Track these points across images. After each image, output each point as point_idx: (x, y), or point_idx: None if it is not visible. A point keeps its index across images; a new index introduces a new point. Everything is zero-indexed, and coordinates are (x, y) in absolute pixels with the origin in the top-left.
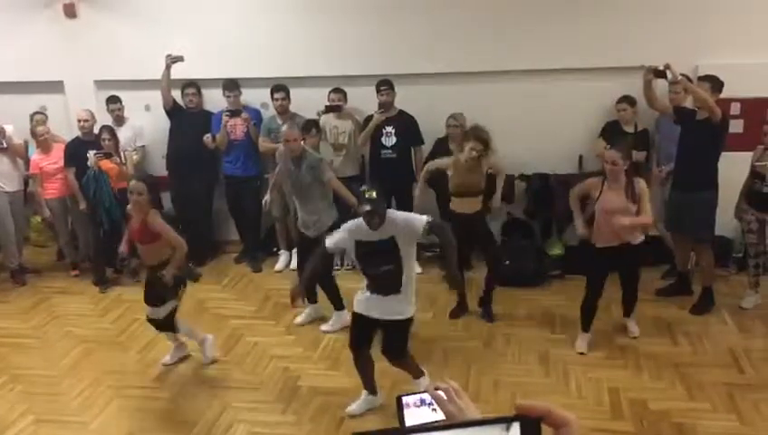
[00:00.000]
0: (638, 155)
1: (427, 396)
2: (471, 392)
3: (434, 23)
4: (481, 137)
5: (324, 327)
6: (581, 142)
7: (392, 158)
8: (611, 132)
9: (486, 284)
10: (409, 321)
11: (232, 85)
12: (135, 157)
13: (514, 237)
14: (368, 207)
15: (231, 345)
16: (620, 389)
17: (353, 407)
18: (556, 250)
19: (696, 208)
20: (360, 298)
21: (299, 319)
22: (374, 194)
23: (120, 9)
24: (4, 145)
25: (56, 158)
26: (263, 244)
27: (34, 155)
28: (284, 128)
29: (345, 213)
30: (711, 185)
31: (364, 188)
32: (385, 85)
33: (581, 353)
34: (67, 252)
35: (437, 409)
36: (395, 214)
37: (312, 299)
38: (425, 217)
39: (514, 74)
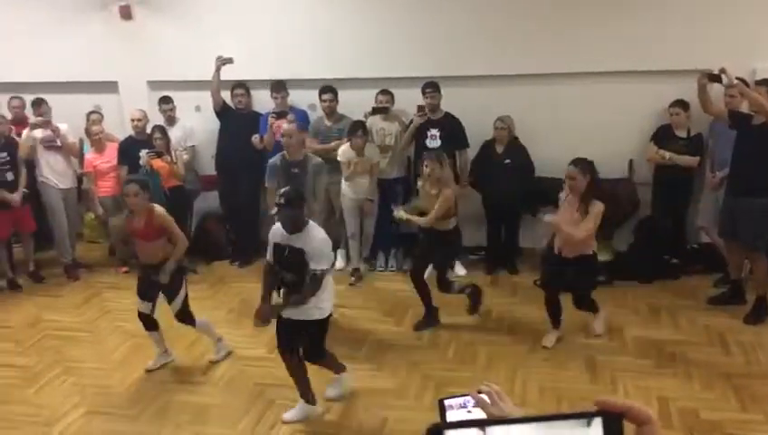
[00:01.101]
0: (691, 160)
1: (469, 399)
2: (516, 398)
3: (483, 24)
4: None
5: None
6: (632, 147)
7: None
8: (663, 137)
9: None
10: (320, 323)
11: (279, 87)
12: (185, 156)
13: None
14: (275, 209)
15: (275, 344)
16: (670, 398)
17: (287, 414)
18: (604, 256)
19: (750, 215)
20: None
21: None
22: (283, 200)
23: (172, 11)
24: (59, 144)
25: (110, 156)
26: None
27: (89, 154)
28: (285, 125)
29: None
30: (766, 191)
31: (282, 191)
32: (430, 88)
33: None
34: (117, 249)
35: (476, 411)
36: (315, 231)
37: None
38: (324, 266)
39: (564, 77)
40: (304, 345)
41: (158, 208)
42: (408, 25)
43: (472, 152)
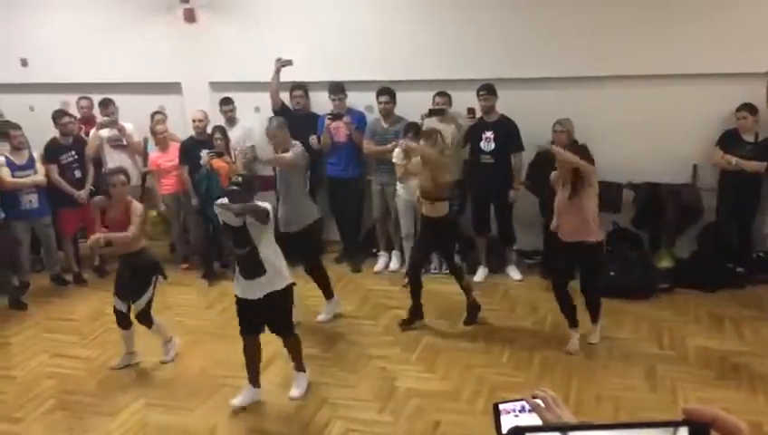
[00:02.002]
0: (758, 166)
1: (524, 404)
2: (572, 405)
3: (542, 26)
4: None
5: (320, 317)
6: (696, 151)
7: (490, 163)
8: (729, 141)
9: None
10: (286, 291)
11: (337, 88)
12: (249, 154)
13: (621, 248)
14: (232, 188)
15: (330, 343)
16: (732, 411)
17: (236, 400)
18: (665, 262)
19: None
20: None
21: (321, 317)
22: (239, 179)
23: (234, 15)
24: (124, 142)
25: (173, 155)
26: (363, 245)
27: (153, 152)
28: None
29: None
30: None
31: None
32: (484, 90)
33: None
34: (179, 246)
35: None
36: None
37: (329, 295)
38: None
39: (625, 79)
40: (274, 321)
41: (133, 200)
42: (466, 27)
43: (530, 155)
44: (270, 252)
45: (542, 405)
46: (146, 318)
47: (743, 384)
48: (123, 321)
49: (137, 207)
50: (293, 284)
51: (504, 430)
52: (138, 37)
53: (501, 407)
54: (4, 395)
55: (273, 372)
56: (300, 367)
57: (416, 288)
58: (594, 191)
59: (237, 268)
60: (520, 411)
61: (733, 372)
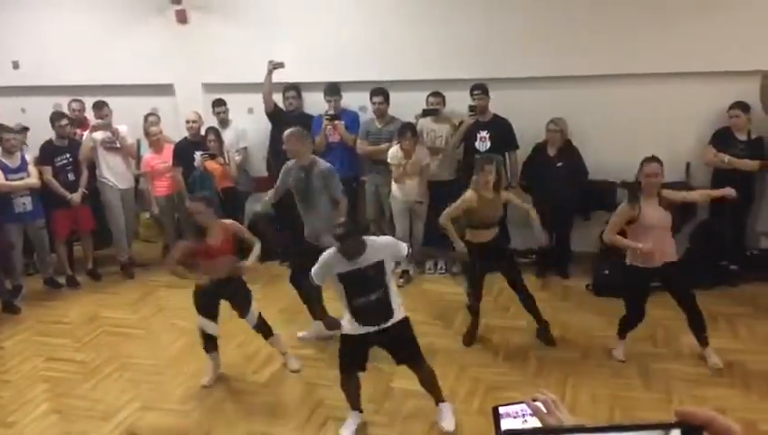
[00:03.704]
0: (751, 164)
1: (524, 407)
2: (567, 405)
3: (535, 25)
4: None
5: (301, 334)
6: (689, 149)
7: None
8: (722, 140)
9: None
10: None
11: (333, 90)
12: (237, 158)
13: (614, 247)
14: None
15: (325, 345)
16: (727, 408)
17: (345, 431)
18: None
19: None
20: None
21: (302, 334)
22: (343, 231)
23: (227, 16)
24: (118, 145)
25: (167, 157)
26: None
27: (147, 154)
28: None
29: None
30: None
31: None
32: (478, 90)
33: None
34: (172, 248)
35: (532, 420)
36: (374, 240)
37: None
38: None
39: (618, 78)
40: (402, 350)
41: (230, 222)
42: (459, 27)
43: (523, 154)
44: (394, 286)
45: (543, 408)
46: (264, 327)
47: (737, 382)
48: (212, 343)
49: (236, 225)
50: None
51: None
52: (130, 39)
53: (501, 410)
54: None
55: (269, 371)
56: (440, 398)
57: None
58: None
59: (352, 316)
60: (521, 415)
61: (727, 369)
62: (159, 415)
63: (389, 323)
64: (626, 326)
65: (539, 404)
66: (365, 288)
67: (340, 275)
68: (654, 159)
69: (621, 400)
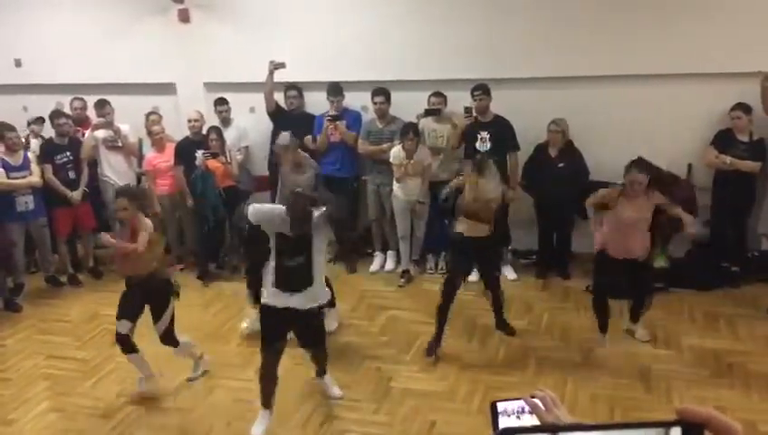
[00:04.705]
0: (753, 165)
1: (522, 404)
2: (567, 405)
3: (537, 26)
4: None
5: (245, 324)
6: (691, 150)
7: None
8: (724, 141)
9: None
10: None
11: (336, 90)
12: (239, 157)
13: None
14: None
15: (326, 344)
16: (727, 409)
17: (256, 429)
18: (659, 262)
19: None
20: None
21: (245, 324)
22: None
23: (229, 15)
24: (120, 144)
25: (169, 156)
26: (358, 245)
27: (149, 153)
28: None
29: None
30: None
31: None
32: (479, 90)
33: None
34: (174, 247)
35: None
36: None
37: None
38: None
39: (620, 79)
40: (310, 336)
41: (144, 219)
42: (461, 27)
43: (524, 155)
44: (322, 260)
45: (541, 406)
46: (171, 339)
47: (737, 383)
48: (128, 345)
49: (144, 222)
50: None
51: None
52: (132, 38)
53: (499, 406)
54: None
55: None
56: (324, 371)
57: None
58: None
59: (273, 279)
60: (519, 412)
61: (727, 370)
62: (160, 413)
63: (308, 307)
64: (597, 318)
65: (537, 401)
66: (294, 252)
67: (278, 235)
68: (636, 165)
69: (621, 400)
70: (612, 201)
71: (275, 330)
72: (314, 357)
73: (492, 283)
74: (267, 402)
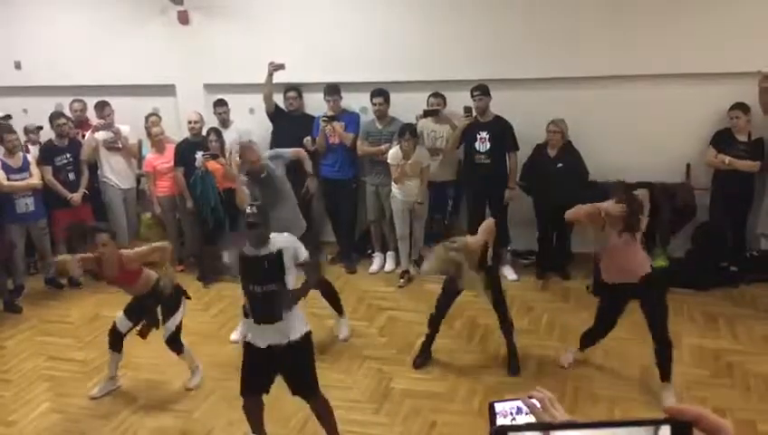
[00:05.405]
0: (752, 165)
1: (520, 404)
2: (567, 406)
3: (536, 26)
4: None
5: (234, 336)
6: (689, 150)
7: (486, 163)
8: (723, 141)
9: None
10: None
11: (333, 90)
12: (238, 158)
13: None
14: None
15: (324, 345)
16: (726, 409)
17: None
18: (659, 262)
19: None
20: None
21: (234, 335)
22: (255, 209)
23: (228, 17)
24: (120, 145)
25: (169, 157)
26: (358, 245)
27: (149, 154)
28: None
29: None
30: None
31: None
32: (478, 91)
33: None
34: (173, 248)
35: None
36: (278, 235)
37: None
38: (306, 253)
39: (618, 80)
40: (295, 378)
41: (126, 252)
42: (460, 28)
43: (524, 155)
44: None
45: (539, 406)
46: (176, 343)
47: (737, 383)
48: (118, 342)
49: (127, 253)
50: (310, 331)
51: None
52: (132, 39)
53: (497, 406)
54: None
55: None
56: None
57: None
58: None
59: (248, 309)
60: (517, 413)
61: (727, 370)
62: (161, 415)
63: (287, 340)
64: (587, 338)
65: (534, 401)
66: (259, 277)
67: (242, 257)
68: (614, 192)
69: (621, 401)
70: (597, 221)
71: (255, 374)
72: (312, 410)
73: (499, 317)
74: (258, 431)
